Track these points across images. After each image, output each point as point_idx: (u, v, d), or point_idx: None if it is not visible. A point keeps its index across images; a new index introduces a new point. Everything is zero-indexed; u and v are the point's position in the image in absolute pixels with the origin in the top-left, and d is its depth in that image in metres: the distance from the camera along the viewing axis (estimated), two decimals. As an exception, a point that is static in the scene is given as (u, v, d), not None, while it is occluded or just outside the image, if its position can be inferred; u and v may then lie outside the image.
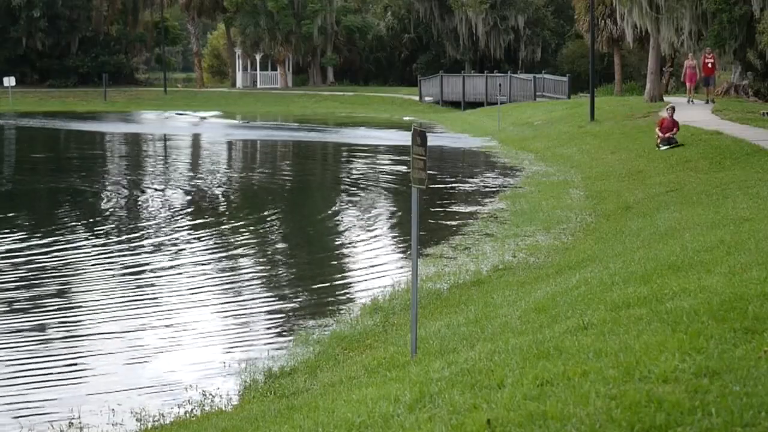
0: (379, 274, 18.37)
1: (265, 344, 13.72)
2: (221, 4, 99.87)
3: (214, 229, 23.93)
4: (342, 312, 15.34)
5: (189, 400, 11.24)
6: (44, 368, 12.82)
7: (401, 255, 20.35)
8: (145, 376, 12.40)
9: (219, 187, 32.87)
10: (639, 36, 57.53)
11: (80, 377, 12.46)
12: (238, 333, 14.50)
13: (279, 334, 14.34)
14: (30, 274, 18.35)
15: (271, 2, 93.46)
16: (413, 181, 10.11)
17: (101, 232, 23.33)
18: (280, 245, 22.64)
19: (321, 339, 13.56)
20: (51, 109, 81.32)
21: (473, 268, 17.65)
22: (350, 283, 18.17)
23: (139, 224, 24.71)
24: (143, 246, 21.51)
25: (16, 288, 17.24)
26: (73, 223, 24.55)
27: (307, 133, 58.63)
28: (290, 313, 15.59)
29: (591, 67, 47.51)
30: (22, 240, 21.78)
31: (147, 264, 19.58)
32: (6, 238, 21.96)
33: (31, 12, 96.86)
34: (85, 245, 21.48)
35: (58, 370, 12.77)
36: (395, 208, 27.24)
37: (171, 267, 19.28)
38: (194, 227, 24.03)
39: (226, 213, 27.13)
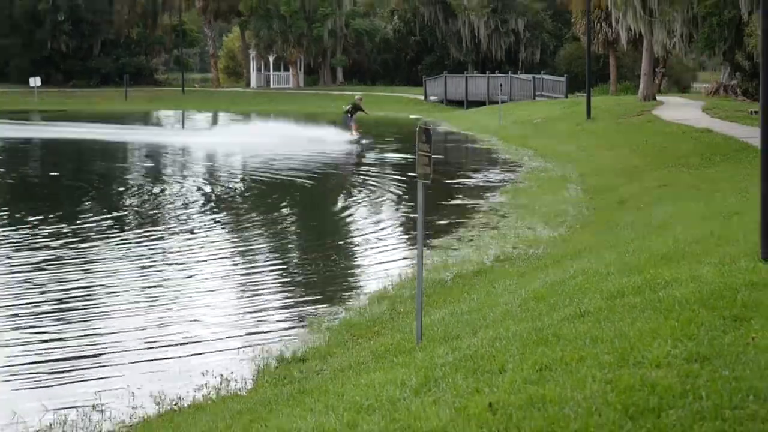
0: (386, 264, 18.38)
1: (278, 331, 13.73)
2: (236, 8, 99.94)
3: (229, 221, 23.98)
4: (351, 301, 15.35)
5: (206, 385, 11.24)
6: (67, 353, 12.84)
7: (407, 246, 20.34)
8: (164, 362, 12.41)
9: (237, 181, 32.89)
10: (633, 38, 57.45)
11: (102, 362, 12.48)
12: (252, 321, 14.51)
13: (291, 322, 14.34)
14: (54, 262, 18.38)
15: (284, 6, 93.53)
16: (419, 176, 10.10)
17: (120, 221, 23.38)
18: (292, 237, 22.67)
19: (331, 326, 13.56)
20: (74, 108, 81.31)
21: (476, 259, 17.64)
22: (359, 273, 18.18)
23: (157, 215, 24.70)
24: (161, 235, 21.52)
25: (41, 274, 17.28)
26: (98, 217, 24.54)
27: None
28: (302, 302, 15.59)
29: (587, 68, 47.48)
30: (49, 231, 21.84)
31: (165, 254, 19.59)
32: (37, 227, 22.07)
33: (56, 16, 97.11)
34: (105, 235, 21.49)
35: (81, 355, 12.78)
36: (402, 202, 27.23)
37: (189, 258, 19.29)
38: (210, 219, 24.04)
39: (241, 205, 27.10)
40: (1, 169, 36.76)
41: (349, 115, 46.99)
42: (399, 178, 32.84)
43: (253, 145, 43.92)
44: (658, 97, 52.04)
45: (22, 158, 44.38)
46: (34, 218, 23.64)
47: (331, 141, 44.97)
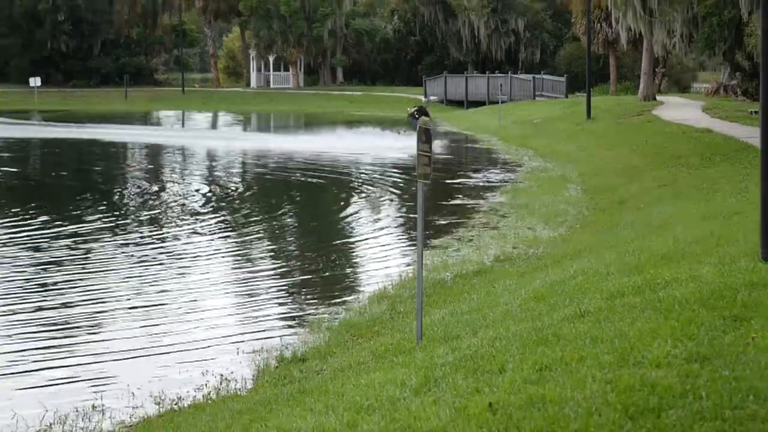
0: (386, 264, 18.39)
1: (278, 331, 13.73)
2: (236, 8, 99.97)
3: (229, 222, 23.99)
4: (351, 300, 15.35)
5: (206, 385, 11.25)
6: (67, 353, 12.85)
7: (408, 246, 20.35)
8: (164, 362, 12.42)
9: (238, 182, 32.91)
10: (633, 38, 57.46)
11: (101, 363, 12.47)
12: (252, 321, 14.51)
13: (291, 322, 14.35)
14: (58, 263, 18.39)
15: (284, 6, 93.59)
16: (419, 176, 10.10)
17: (122, 223, 23.40)
18: (292, 237, 22.68)
19: (331, 326, 13.57)
20: (74, 108, 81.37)
21: (476, 259, 17.64)
22: (359, 273, 18.19)
23: (155, 215, 24.71)
24: (161, 237, 21.53)
25: (42, 273, 17.30)
26: (101, 216, 24.54)
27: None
28: (302, 302, 15.61)
29: (587, 68, 47.48)
30: (55, 232, 21.86)
31: (164, 254, 19.60)
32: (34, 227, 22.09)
33: (56, 16, 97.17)
34: (107, 236, 21.52)
35: (81, 355, 12.79)
36: (402, 202, 27.24)
37: (188, 258, 19.31)
38: (210, 219, 24.04)
39: (241, 206, 27.09)
40: (12, 169, 36.89)
41: (415, 117, 44.34)
42: (399, 177, 32.84)
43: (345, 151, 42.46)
44: (658, 97, 52.05)
45: (30, 158, 44.43)
46: (39, 219, 23.69)
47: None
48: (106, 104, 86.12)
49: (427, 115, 36.65)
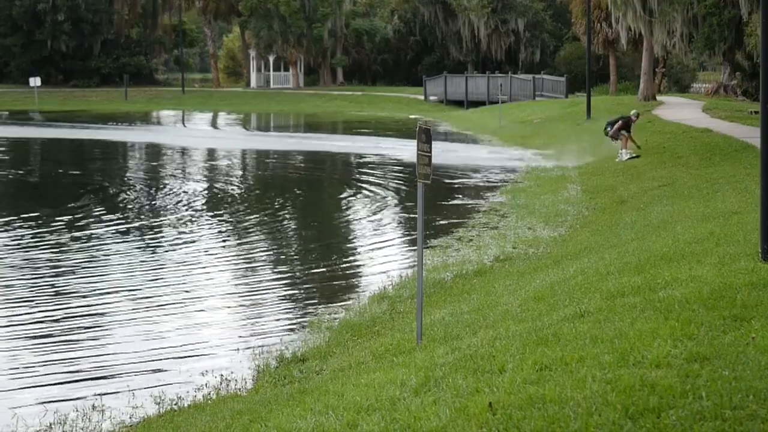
0: (386, 264, 18.38)
1: (278, 332, 13.73)
2: (236, 8, 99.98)
3: (230, 222, 24.00)
4: (352, 301, 15.35)
5: (206, 384, 11.26)
6: (67, 353, 12.84)
7: (408, 247, 20.34)
8: (164, 362, 12.42)
9: (238, 181, 32.93)
10: (633, 38, 57.51)
11: (102, 362, 12.47)
12: (252, 321, 14.52)
13: (291, 322, 14.35)
14: (54, 260, 18.39)
15: (284, 6, 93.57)
16: (419, 176, 10.09)
17: (122, 223, 23.40)
18: (293, 239, 22.67)
19: (331, 326, 13.57)
20: (74, 108, 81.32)
21: (476, 259, 17.63)
22: (359, 273, 18.18)
23: (158, 216, 24.72)
24: (162, 238, 21.53)
25: (42, 273, 17.29)
26: (100, 217, 24.56)
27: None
28: (302, 302, 15.61)
29: (587, 68, 47.52)
30: (47, 229, 21.88)
31: (165, 254, 19.59)
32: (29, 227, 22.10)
33: (56, 16, 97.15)
34: (108, 236, 21.52)
35: (81, 355, 12.78)
36: (402, 203, 27.23)
37: (188, 258, 19.30)
38: (211, 219, 24.04)
39: (243, 206, 27.09)
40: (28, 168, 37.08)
41: (614, 127, 32.91)
42: (399, 177, 32.84)
43: None
44: (658, 97, 52.07)
45: (30, 158, 44.44)
46: (40, 220, 23.70)
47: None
48: (106, 104, 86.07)
49: (628, 130, 32.74)
